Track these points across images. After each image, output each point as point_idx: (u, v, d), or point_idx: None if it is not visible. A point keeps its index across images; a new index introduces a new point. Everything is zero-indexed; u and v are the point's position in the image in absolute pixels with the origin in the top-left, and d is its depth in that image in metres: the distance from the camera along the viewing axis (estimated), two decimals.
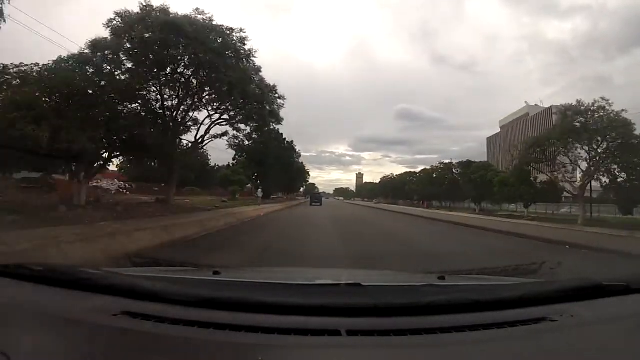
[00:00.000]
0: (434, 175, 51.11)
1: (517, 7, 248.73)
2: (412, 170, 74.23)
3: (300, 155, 52.53)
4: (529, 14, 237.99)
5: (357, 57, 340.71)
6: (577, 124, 18.76)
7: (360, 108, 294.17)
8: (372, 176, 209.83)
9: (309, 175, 74.21)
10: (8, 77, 11.28)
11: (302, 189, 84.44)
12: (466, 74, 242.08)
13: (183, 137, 17.70)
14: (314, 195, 51.50)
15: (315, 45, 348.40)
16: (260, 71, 16.72)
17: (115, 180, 28.30)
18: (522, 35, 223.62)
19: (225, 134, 19.68)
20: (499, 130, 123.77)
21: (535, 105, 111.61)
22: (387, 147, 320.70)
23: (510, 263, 3.67)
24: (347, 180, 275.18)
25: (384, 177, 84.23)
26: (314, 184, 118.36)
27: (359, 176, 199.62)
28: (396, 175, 78.67)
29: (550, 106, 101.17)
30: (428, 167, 54.89)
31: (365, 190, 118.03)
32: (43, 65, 11.81)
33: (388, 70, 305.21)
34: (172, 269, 2.19)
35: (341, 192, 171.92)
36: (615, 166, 18.35)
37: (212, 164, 44.64)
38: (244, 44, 15.41)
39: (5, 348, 0.83)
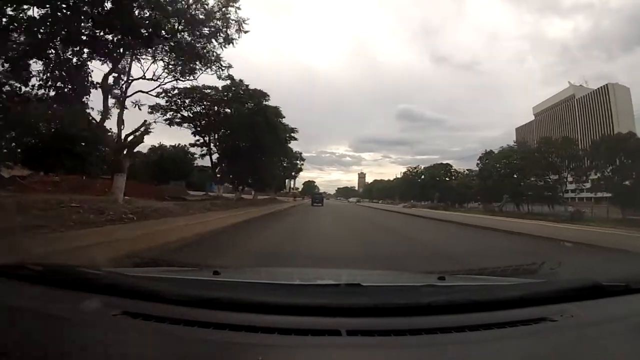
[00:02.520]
0: (504, 163, 32.25)
1: (518, 5, 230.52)
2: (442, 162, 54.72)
3: (282, 115, 24.64)
4: (530, 12, 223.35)
5: (357, 56, 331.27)
6: None
7: (361, 108, 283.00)
8: (373, 176, 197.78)
9: (301, 161, 43.92)
10: None
11: (291, 184, 56.77)
12: (467, 74, 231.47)
13: None
14: (315, 196, 51.77)
15: (314, 45, 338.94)
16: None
17: None
18: (523, 34, 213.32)
19: None
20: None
21: (581, 85, 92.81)
22: (387, 148, 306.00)
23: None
24: (348, 180, 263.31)
25: (409, 170, 62.01)
26: (313, 182, 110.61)
27: (361, 176, 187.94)
28: (423, 168, 58.49)
29: (606, 84, 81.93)
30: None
31: (375, 190, 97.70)
32: None
33: (389, 70, 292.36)
34: (172, 269, 2.20)
35: (344, 192, 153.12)
36: None
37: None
38: None
39: (5, 348, 0.84)
